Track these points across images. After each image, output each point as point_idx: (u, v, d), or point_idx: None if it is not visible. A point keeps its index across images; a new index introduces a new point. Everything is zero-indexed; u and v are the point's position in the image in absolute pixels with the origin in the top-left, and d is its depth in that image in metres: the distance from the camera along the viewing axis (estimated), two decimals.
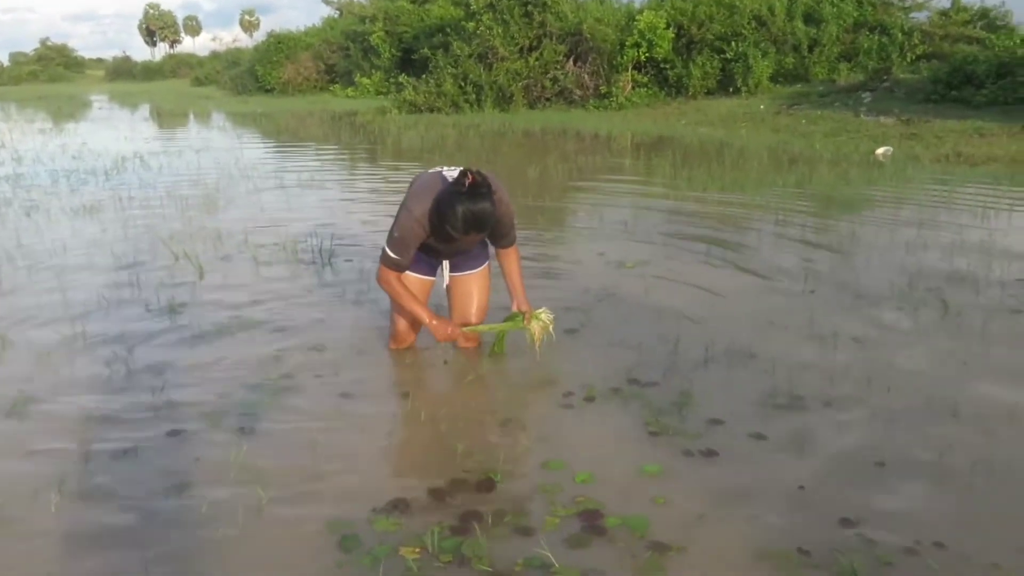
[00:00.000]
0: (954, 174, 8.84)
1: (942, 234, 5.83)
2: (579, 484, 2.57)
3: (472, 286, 3.54)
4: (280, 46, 32.48)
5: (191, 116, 24.32)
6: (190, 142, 15.02)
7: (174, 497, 2.54)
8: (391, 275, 3.24)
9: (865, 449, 2.78)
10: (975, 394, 3.20)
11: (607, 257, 5.42)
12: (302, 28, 34.76)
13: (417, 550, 2.21)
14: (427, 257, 3.42)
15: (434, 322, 3.30)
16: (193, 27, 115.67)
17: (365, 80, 27.60)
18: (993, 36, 16.66)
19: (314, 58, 31.52)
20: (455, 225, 2.97)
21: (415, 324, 3.54)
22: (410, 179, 3.37)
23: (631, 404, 3.16)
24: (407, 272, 3.34)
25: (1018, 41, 16.15)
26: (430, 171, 3.25)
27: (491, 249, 3.59)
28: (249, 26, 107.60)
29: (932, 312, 4.15)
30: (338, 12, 35.45)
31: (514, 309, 3.46)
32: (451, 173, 3.11)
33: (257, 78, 32.63)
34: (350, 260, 5.41)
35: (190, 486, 2.60)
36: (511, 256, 3.45)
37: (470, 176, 2.97)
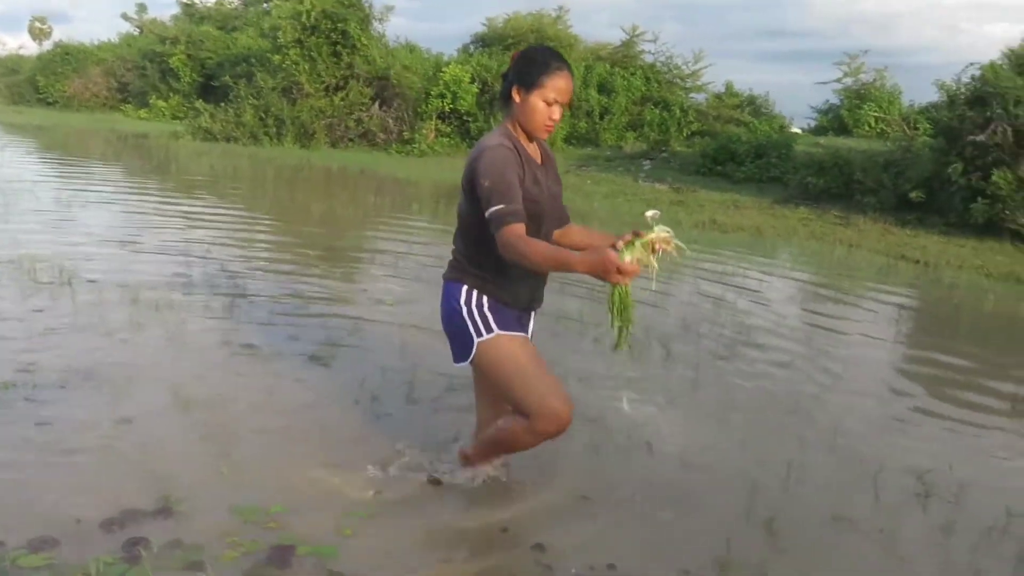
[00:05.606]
0: (706, 240, 9.72)
1: (683, 291, 6.38)
2: (273, 514, 2.54)
3: None
4: (68, 57, 30.43)
5: None
6: None
7: None
8: (514, 232, 2.33)
9: (570, 484, 2.96)
10: (673, 431, 3.51)
11: (369, 294, 5.47)
12: (97, 42, 32.78)
13: None
14: (517, 316, 2.72)
15: (590, 258, 2.20)
16: None
17: (161, 103, 26.30)
18: (756, 121, 18.71)
19: (106, 74, 29.69)
20: (546, 62, 2.49)
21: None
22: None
23: (332, 435, 3.20)
24: (504, 333, 2.62)
25: (776, 127, 18.23)
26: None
27: None
28: (40, 34, 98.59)
29: (655, 357, 4.53)
30: (139, 30, 33.70)
31: (620, 244, 2.30)
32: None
33: (38, 89, 30.28)
34: (94, 281, 5.07)
35: None
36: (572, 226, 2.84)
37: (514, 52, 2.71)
